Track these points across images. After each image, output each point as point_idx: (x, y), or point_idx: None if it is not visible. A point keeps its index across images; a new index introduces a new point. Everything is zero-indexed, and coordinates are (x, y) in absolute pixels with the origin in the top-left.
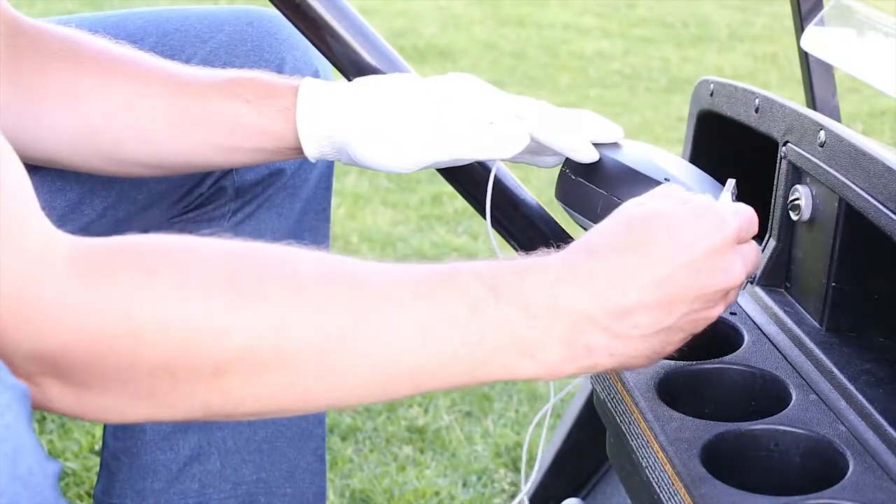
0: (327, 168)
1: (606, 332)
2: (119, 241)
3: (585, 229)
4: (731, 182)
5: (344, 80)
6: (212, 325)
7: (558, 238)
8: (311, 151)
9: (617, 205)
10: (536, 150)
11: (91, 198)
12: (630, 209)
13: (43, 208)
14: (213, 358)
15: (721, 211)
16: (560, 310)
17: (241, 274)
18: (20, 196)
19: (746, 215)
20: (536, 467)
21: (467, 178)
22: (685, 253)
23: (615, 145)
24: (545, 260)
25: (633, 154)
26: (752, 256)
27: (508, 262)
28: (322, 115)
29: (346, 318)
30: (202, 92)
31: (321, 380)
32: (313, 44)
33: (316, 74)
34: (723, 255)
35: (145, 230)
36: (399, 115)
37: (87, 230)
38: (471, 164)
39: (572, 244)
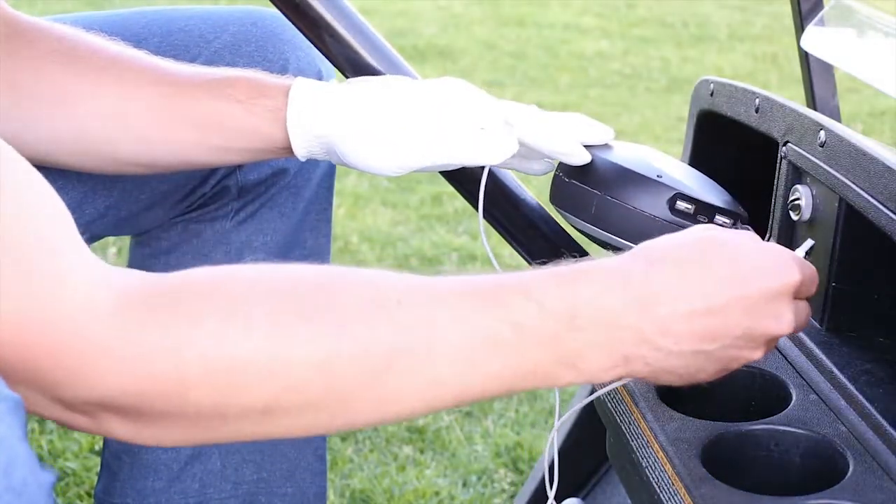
0: (330, 168)
1: (648, 344)
2: (163, 282)
3: (580, 231)
4: (809, 242)
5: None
6: (258, 367)
7: (558, 236)
8: (301, 151)
9: (612, 204)
10: (526, 154)
11: (93, 197)
12: (701, 230)
13: None
14: (260, 398)
15: (790, 257)
16: (605, 319)
17: (286, 310)
18: (65, 237)
19: (811, 273)
20: (550, 468)
21: (466, 178)
22: (744, 286)
23: (606, 146)
24: (595, 266)
25: (625, 153)
26: (803, 316)
27: (556, 270)
28: (312, 115)
29: (391, 349)
30: (193, 92)
31: (366, 409)
32: (313, 43)
33: (319, 75)
34: (779, 301)
35: (147, 229)
36: (388, 119)
37: (88, 228)
38: None
39: (633, 250)
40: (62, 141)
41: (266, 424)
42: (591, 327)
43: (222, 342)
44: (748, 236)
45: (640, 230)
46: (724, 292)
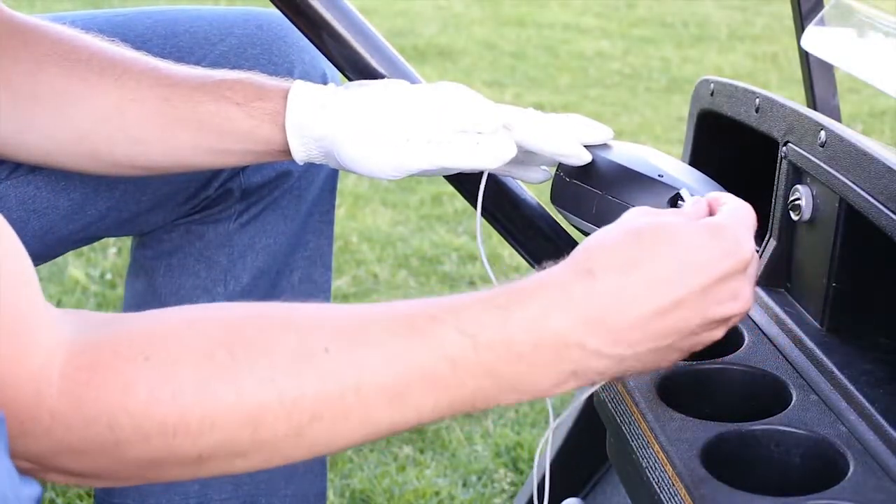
0: (333, 171)
1: (597, 356)
2: (101, 343)
3: (581, 231)
4: (685, 192)
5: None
6: (188, 427)
7: (558, 236)
8: (299, 155)
9: (613, 204)
10: (525, 160)
11: (95, 198)
12: (639, 218)
13: (47, 208)
14: (193, 452)
15: (735, 233)
16: (546, 342)
17: (214, 368)
18: (25, 299)
19: (742, 213)
20: (537, 467)
21: (467, 178)
22: (694, 278)
23: (606, 146)
24: (533, 285)
25: (625, 153)
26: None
27: (491, 296)
28: (310, 119)
29: (318, 399)
30: (191, 95)
31: (297, 453)
32: (313, 43)
33: (325, 78)
34: (732, 281)
35: (149, 230)
36: (386, 122)
37: (89, 229)
38: None
39: (572, 256)
40: (61, 142)
41: (203, 470)
42: (531, 352)
43: (153, 407)
44: (686, 215)
45: None
46: (674, 290)
